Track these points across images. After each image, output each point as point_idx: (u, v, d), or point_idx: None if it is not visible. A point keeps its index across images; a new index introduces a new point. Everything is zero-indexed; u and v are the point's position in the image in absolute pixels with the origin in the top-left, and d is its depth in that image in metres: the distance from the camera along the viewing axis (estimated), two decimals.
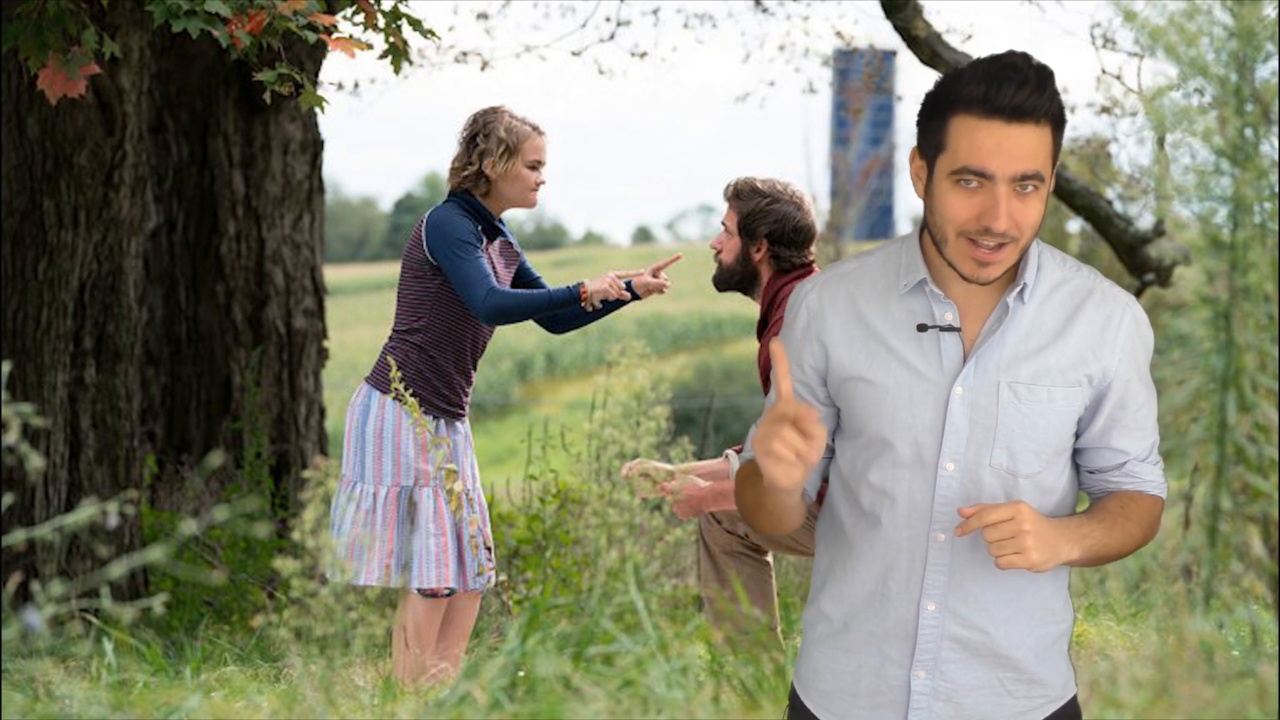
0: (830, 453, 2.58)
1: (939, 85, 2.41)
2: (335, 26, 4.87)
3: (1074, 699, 2.55)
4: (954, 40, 8.48)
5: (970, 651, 2.46)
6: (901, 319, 2.46)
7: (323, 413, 9.00)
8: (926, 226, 2.44)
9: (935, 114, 2.38)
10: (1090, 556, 2.42)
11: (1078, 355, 2.43)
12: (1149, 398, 2.50)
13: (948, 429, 2.41)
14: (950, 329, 2.43)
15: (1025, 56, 2.34)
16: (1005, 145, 2.31)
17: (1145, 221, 8.86)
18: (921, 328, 2.43)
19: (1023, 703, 2.49)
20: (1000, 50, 2.41)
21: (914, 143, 2.46)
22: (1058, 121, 2.36)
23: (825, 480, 2.65)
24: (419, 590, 4.74)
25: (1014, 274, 2.45)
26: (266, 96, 4.99)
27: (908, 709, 2.48)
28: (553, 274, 7.98)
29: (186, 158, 8.78)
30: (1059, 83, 2.39)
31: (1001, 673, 2.47)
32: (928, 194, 2.41)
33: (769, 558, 4.72)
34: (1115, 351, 2.45)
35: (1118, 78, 8.72)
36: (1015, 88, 2.30)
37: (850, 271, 2.52)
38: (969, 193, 2.34)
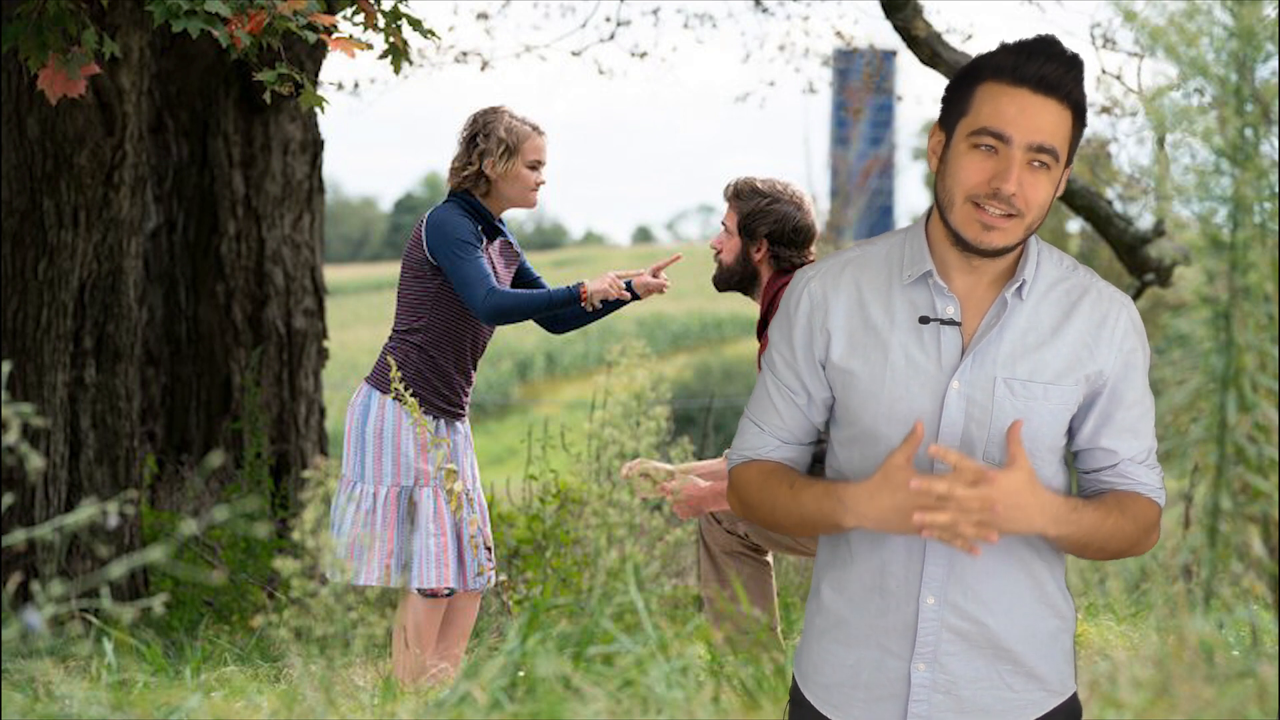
0: (819, 452, 2.59)
1: (972, 60, 2.46)
2: (335, 26, 4.87)
3: (1074, 696, 2.55)
4: (954, 40, 8.47)
5: (969, 643, 2.47)
6: (902, 310, 2.47)
7: (323, 413, 9.00)
8: (936, 201, 2.45)
9: (963, 83, 2.43)
10: (1072, 541, 2.42)
11: (1073, 354, 2.45)
12: (1143, 400, 2.50)
13: (943, 423, 2.43)
14: (951, 323, 2.44)
15: (1059, 40, 2.40)
16: (1027, 113, 2.36)
17: (1145, 221, 8.86)
18: (924, 320, 2.44)
19: (1022, 696, 2.49)
20: None
21: (936, 122, 2.50)
22: (1079, 111, 2.40)
23: (819, 462, 2.65)
24: (419, 590, 4.74)
25: (1013, 270, 2.46)
26: (266, 96, 4.99)
27: (908, 701, 2.48)
28: (553, 274, 7.98)
29: (186, 158, 8.78)
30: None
31: (1000, 665, 2.48)
32: (943, 161, 2.43)
33: (769, 558, 4.72)
34: (1110, 351, 2.46)
35: (1118, 78, 8.72)
36: (1045, 60, 2.36)
37: (853, 259, 2.53)
38: (984, 156, 2.37)
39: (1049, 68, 2.35)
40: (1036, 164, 2.37)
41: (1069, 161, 2.42)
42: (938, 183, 2.44)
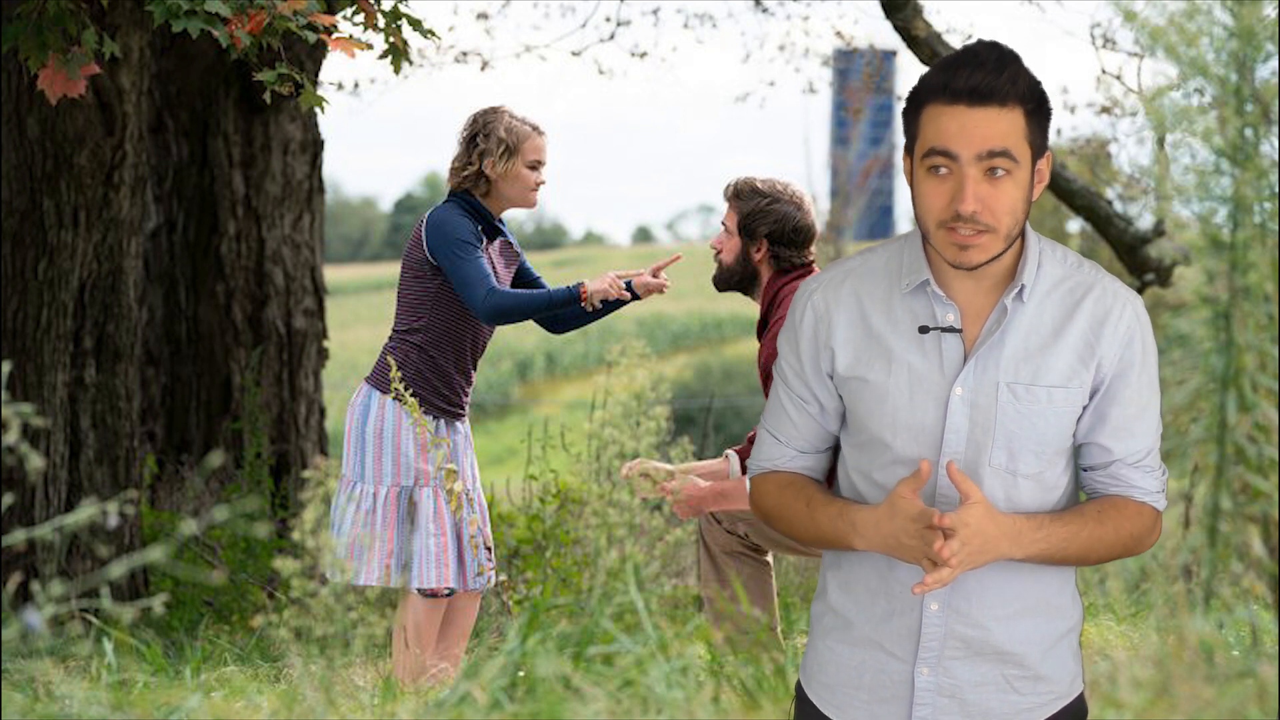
0: (837, 446, 2.59)
1: (915, 84, 2.46)
2: (335, 26, 4.87)
3: (1081, 696, 2.55)
4: (954, 40, 8.47)
5: (974, 649, 2.47)
6: (903, 319, 2.47)
7: (323, 413, 9.00)
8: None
9: (910, 110, 2.43)
10: (1043, 558, 2.42)
11: (1075, 354, 2.43)
12: (1141, 399, 2.47)
13: (948, 429, 2.42)
14: (951, 330, 2.44)
15: (989, 44, 2.39)
16: (968, 127, 2.34)
17: (1145, 221, 8.86)
18: (923, 329, 2.44)
19: (1028, 699, 2.49)
20: None
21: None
22: (1030, 103, 2.37)
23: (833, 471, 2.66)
24: (419, 590, 4.74)
25: (1012, 273, 2.45)
26: (266, 96, 4.99)
27: (911, 704, 2.48)
28: (553, 274, 7.98)
29: (186, 158, 8.78)
30: (1059, 84, 2.41)
31: (1005, 669, 2.48)
32: (912, 187, 2.44)
33: (769, 558, 4.72)
34: (1111, 348, 2.44)
35: (1118, 78, 8.72)
36: (970, 71, 2.35)
37: (855, 269, 2.53)
38: (940, 180, 2.37)
39: (977, 78, 2.33)
40: (995, 171, 2.35)
41: (1039, 152, 2.40)
42: (914, 208, 2.44)
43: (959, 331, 2.44)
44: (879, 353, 2.47)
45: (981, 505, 2.34)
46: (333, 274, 26.79)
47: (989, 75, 2.34)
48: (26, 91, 6.09)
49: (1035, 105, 2.38)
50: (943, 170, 2.36)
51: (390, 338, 4.91)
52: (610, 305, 4.92)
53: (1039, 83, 2.40)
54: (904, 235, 2.55)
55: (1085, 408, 2.46)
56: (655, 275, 4.93)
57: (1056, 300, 2.45)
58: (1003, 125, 2.34)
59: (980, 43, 2.39)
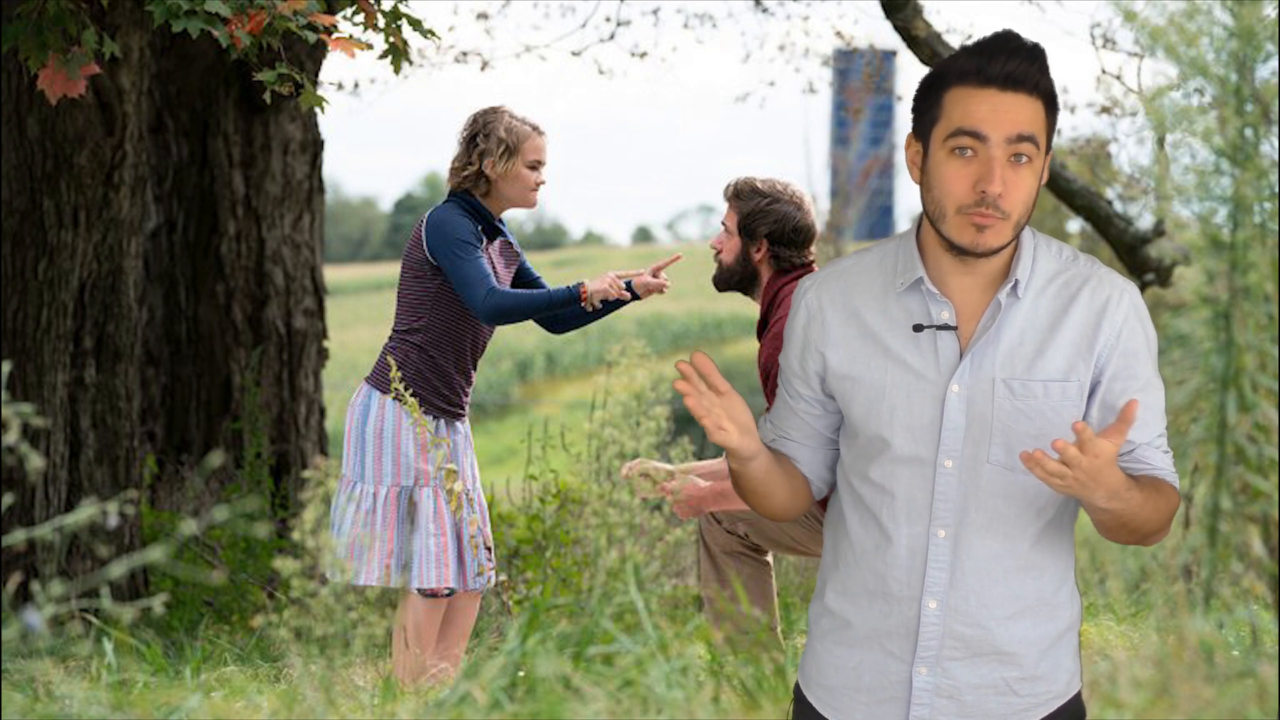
0: (836, 449, 2.60)
1: (934, 68, 2.47)
2: (335, 26, 4.87)
3: (1078, 695, 2.54)
4: (954, 40, 8.47)
5: (973, 650, 2.46)
6: (898, 318, 2.47)
7: (323, 413, 9.00)
8: (925, 212, 2.45)
9: (930, 92, 2.43)
10: (1115, 516, 2.37)
11: (1073, 348, 2.43)
12: (1151, 386, 2.46)
13: (945, 426, 2.42)
14: (946, 328, 2.44)
15: (1017, 34, 2.40)
16: (1000, 110, 2.36)
17: (1145, 221, 8.86)
18: (918, 328, 2.44)
19: (1026, 700, 2.49)
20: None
21: (910, 133, 2.48)
22: (1050, 100, 2.40)
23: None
24: (419, 590, 4.74)
25: (1006, 269, 2.45)
26: (266, 96, 4.99)
27: (909, 705, 2.48)
28: (553, 274, 7.98)
29: (186, 158, 8.78)
30: (1059, 84, 2.42)
31: (1004, 670, 2.47)
32: (924, 172, 2.43)
33: (769, 558, 4.72)
34: (1110, 339, 2.43)
35: (1118, 78, 8.72)
36: (1007, 57, 2.36)
37: (848, 269, 2.54)
38: (964, 162, 2.37)
39: (1013, 64, 2.36)
40: (1019, 158, 2.36)
41: (1048, 149, 2.42)
42: (924, 195, 2.43)
43: (954, 329, 2.44)
44: (874, 351, 2.47)
45: (1114, 449, 2.26)
46: (333, 274, 26.75)
47: (1023, 63, 2.36)
48: (26, 91, 6.09)
49: (1052, 102, 2.41)
50: (968, 152, 2.36)
51: (390, 338, 4.91)
52: (610, 305, 4.92)
53: (1054, 81, 2.43)
54: (899, 234, 2.56)
55: (1089, 401, 2.45)
56: (655, 275, 4.94)
57: (1052, 294, 2.45)
58: (1029, 112, 2.37)
59: (1009, 31, 2.40)
